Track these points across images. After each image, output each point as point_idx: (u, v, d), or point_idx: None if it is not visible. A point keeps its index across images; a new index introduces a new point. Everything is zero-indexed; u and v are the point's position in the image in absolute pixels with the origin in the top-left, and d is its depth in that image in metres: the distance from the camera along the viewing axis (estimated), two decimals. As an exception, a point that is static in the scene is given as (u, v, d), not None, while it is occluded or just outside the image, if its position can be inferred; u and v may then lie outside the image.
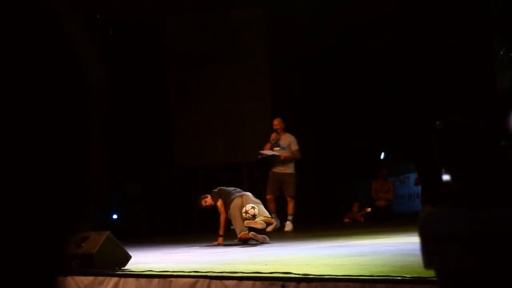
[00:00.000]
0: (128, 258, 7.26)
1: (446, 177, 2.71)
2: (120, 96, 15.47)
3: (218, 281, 5.96)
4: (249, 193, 10.46)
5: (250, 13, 15.37)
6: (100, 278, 6.85)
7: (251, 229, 9.93)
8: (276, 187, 12.47)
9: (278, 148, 12.44)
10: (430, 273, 4.95)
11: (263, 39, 15.20)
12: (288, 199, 12.49)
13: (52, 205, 0.95)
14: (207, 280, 6.04)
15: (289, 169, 12.53)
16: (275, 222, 11.07)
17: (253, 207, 9.96)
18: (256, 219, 9.89)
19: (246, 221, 9.88)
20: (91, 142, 1.01)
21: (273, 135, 12.54)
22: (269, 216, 10.35)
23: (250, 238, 9.89)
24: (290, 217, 12.48)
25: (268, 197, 12.39)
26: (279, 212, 12.47)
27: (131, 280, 6.64)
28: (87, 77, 1.00)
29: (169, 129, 15.97)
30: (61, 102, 0.96)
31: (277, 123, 12.56)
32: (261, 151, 12.46)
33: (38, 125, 0.93)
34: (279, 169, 12.51)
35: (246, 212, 9.88)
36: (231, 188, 10.56)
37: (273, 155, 12.39)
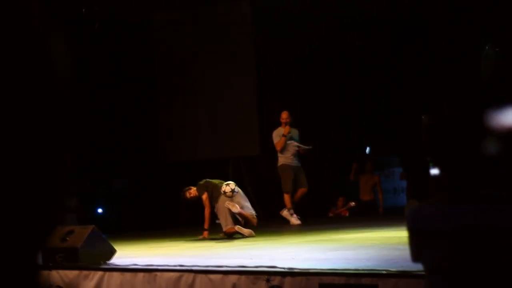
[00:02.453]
0: (113, 252, 7.24)
1: (434, 171, 2.71)
2: (106, 91, 15.42)
3: (203, 275, 5.96)
4: (239, 190, 10.39)
5: (237, 7, 15.32)
6: (85, 272, 6.84)
7: (236, 222, 9.93)
8: (293, 181, 12.39)
9: (293, 141, 12.37)
10: (416, 267, 4.96)
11: (250, 34, 15.16)
12: (302, 190, 12.39)
13: (26, 198, 0.94)
14: (192, 274, 6.04)
15: (300, 162, 12.52)
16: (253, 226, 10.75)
17: (232, 189, 10.00)
18: (244, 230, 9.86)
19: (237, 227, 9.85)
20: (60, 131, 0.99)
21: (287, 129, 12.36)
22: (254, 215, 10.27)
23: (236, 232, 9.88)
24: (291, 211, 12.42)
25: (288, 192, 12.28)
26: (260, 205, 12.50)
27: (116, 274, 6.63)
28: (54, 67, 0.99)
29: (155, 123, 15.94)
30: (27, 92, 0.95)
31: (286, 116, 12.40)
32: (299, 145, 12.34)
33: (6, 118, 0.92)
34: (295, 163, 12.42)
35: (224, 192, 9.91)
36: (218, 181, 10.49)
37: (306, 149, 12.34)
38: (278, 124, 12.65)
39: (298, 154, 12.46)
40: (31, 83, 0.95)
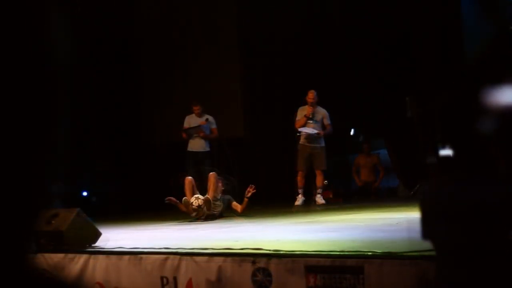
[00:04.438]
0: (98, 235, 7.22)
1: (447, 152, 2.70)
2: (90, 72, 15.33)
3: (188, 258, 5.96)
4: (214, 174, 10.76)
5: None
6: (70, 255, 6.82)
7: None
8: (308, 161, 12.25)
9: (311, 122, 12.19)
10: (400, 249, 4.99)
11: (235, 18, 15.11)
12: (318, 172, 12.30)
13: (13, 182, 0.92)
14: (178, 257, 6.03)
15: (321, 142, 12.35)
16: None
17: (197, 198, 10.60)
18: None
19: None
20: (54, 116, 0.98)
21: (310, 109, 12.19)
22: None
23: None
24: (320, 191, 12.35)
25: (300, 172, 12.23)
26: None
27: (101, 257, 6.62)
28: (54, 52, 0.97)
29: (139, 105, 15.89)
30: (24, 75, 0.93)
31: (312, 96, 12.18)
32: (300, 129, 12.19)
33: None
34: (312, 143, 12.26)
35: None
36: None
37: (312, 133, 12.16)
38: (263, 105, 12.59)
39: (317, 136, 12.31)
40: (27, 67, 0.94)
